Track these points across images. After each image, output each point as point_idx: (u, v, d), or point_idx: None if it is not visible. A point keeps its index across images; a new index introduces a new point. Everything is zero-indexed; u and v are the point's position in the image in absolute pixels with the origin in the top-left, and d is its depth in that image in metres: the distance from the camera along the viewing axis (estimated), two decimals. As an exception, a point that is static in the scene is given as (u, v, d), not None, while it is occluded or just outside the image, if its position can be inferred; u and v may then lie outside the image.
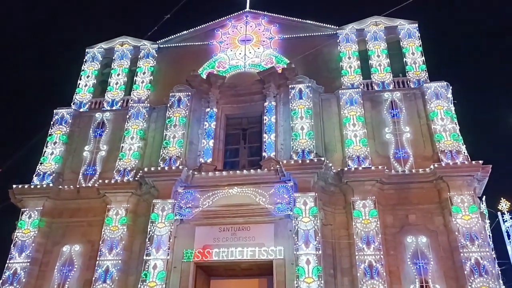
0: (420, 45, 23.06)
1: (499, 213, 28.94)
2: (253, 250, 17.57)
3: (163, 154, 19.97)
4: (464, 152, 18.92)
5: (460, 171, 18.11)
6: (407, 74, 22.25)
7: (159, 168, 19.23)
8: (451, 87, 20.98)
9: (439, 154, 18.79)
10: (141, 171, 19.44)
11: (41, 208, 19.47)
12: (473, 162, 18.28)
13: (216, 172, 19.40)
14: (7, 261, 18.37)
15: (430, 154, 19.23)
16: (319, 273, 16.35)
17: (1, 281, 17.93)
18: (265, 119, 20.85)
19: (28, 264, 18.29)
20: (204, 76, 22.69)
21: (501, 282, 16.61)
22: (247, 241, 17.83)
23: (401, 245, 17.48)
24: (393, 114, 20.74)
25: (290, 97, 20.85)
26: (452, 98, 20.88)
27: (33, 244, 18.73)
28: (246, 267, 18.41)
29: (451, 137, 19.23)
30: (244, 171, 19.21)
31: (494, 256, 17.09)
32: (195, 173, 19.29)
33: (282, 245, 17.49)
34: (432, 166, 18.34)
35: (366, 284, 16.25)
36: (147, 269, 17.22)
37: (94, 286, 17.37)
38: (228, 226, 18.29)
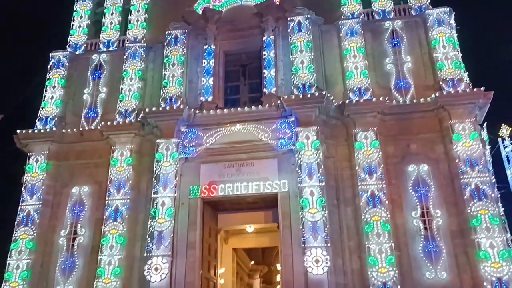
0: (421, -31, 22.14)
1: (499, 139, 29.27)
2: (258, 184, 17.99)
3: (163, 94, 19.90)
4: (466, 80, 18.77)
5: (462, 99, 18.08)
6: (408, 1, 21.58)
7: (160, 108, 19.26)
8: (453, 13, 20.43)
9: (441, 83, 18.67)
10: (142, 112, 19.48)
11: (47, 152, 19.71)
12: (475, 89, 18.21)
13: (218, 110, 19.43)
14: (20, 204, 18.89)
15: (431, 83, 19.11)
16: (323, 204, 16.84)
17: (16, 222, 18.54)
18: (264, 54, 20.52)
19: (40, 206, 18.83)
20: (200, 12, 22.07)
21: (500, 205, 17.12)
22: (252, 176, 18.21)
23: (402, 174, 17.85)
24: (394, 44, 20.35)
25: (289, 30, 20.40)
26: (455, 25, 20.41)
27: (43, 187, 19.18)
28: (251, 201, 18.95)
29: (453, 65, 18.99)
30: (245, 108, 19.21)
31: (494, 180, 17.50)
32: (197, 111, 19.33)
33: (286, 178, 17.88)
34: (433, 95, 18.30)
35: (369, 213, 16.77)
36: (155, 207, 17.75)
37: (105, 225, 17.97)
38: (233, 163, 18.61)
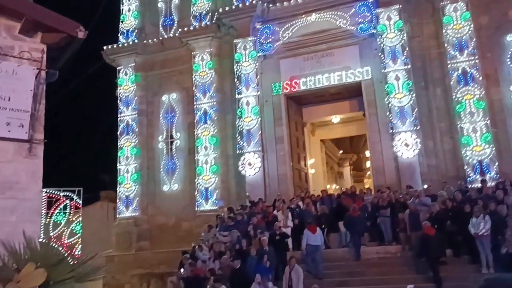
0: None
1: None
2: (340, 75, 17.65)
3: (234, -8, 19.49)
4: None
5: None
6: None
7: (233, 7, 18.98)
8: None
9: None
10: (216, 13, 19.38)
11: (133, 64, 20.68)
12: None
13: (291, 1, 18.68)
14: (118, 116, 20.50)
15: None
16: (410, 88, 16.26)
17: (118, 132, 20.29)
18: None
19: (136, 115, 20.30)
20: None
21: None
22: (333, 66, 17.84)
23: (498, 45, 16.33)
24: None
25: None
26: None
27: (136, 98, 20.48)
28: (334, 92, 18.78)
29: None
30: (320, -6, 18.25)
31: None
32: (270, 5, 18.78)
33: (369, 65, 17.31)
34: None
35: (460, 92, 15.90)
36: (241, 107, 18.33)
37: (197, 127, 19.05)
38: (312, 55, 18.27)
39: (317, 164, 22.65)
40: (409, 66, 16.43)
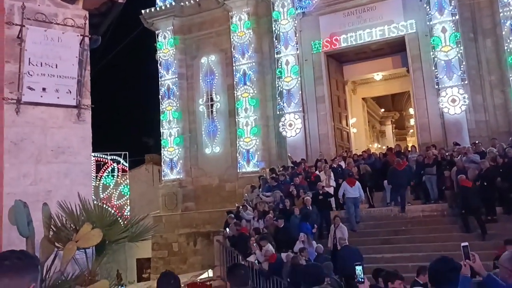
0: None
1: None
2: (382, 29, 16.99)
3: None
4: None
5: None
6: None
7: (270, -37, 18.46)
8: None
9: None
10: (252, -30, 18.93)
11: (172, 27, 20.65)
12: None
13: (330, -47, 17.95)
14: (159, 80, 20.70)
15: None
16: (457, 40, 15.50)
17: (160, 96, 20.57)
18: None
19: (176, 79, 20.43)
20: None
21: None
22: (375, 21, 17.18)
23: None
24: None
25: None
26: None
27: (175, 61, 20.55)
28: (376, 48, 18.17)
29: None
30: None
31: None
32: (308, -41, 18.11)
33: (413, 18, 16.55)
34: None
35: (513, 42, 15.02)
36: (280, 66, 18.09)
37: (237, 89, 19.00)
38: (352, 10, 17.64)
39: (358, 123, 22.30)
40: (457, 17, 15.62)
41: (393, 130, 30.05)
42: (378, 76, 21.17)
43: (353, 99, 22.13)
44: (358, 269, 3.59)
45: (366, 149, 17.94)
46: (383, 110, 28.97)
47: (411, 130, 28.31)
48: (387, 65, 19.27)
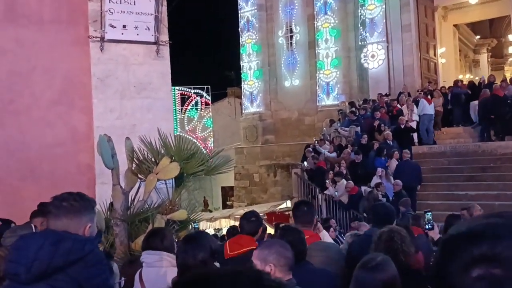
0: None
1: None
2: None
3: None
4: None
5: None
6: None
7: None
8: None
9: None
10: None
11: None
12: None
13: None
14: (239, 12, 20.50)
15: None
16: None
17: (239, 29, 20.45)
18: None
19: (256, 10, 20.08)
20: None
21: None
22: None
23: None
24: None
25: None
26: None
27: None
28: None
29: None
30: None
31: None
32: None
33: None
34: None
35: None
36: (363, -7, 17.07)
37: (317, 19, 18.32)
38: None
39: (448, 52, 20.72)
40: None
41: (489, 59, 27.60)
42: (473, -1, 19.22)
43: (443, 26, 20.42)
44: (428, 214, 3.50)
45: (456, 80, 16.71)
46: (478, 37, 26.53)
47: (510, 59, 25.84)
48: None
